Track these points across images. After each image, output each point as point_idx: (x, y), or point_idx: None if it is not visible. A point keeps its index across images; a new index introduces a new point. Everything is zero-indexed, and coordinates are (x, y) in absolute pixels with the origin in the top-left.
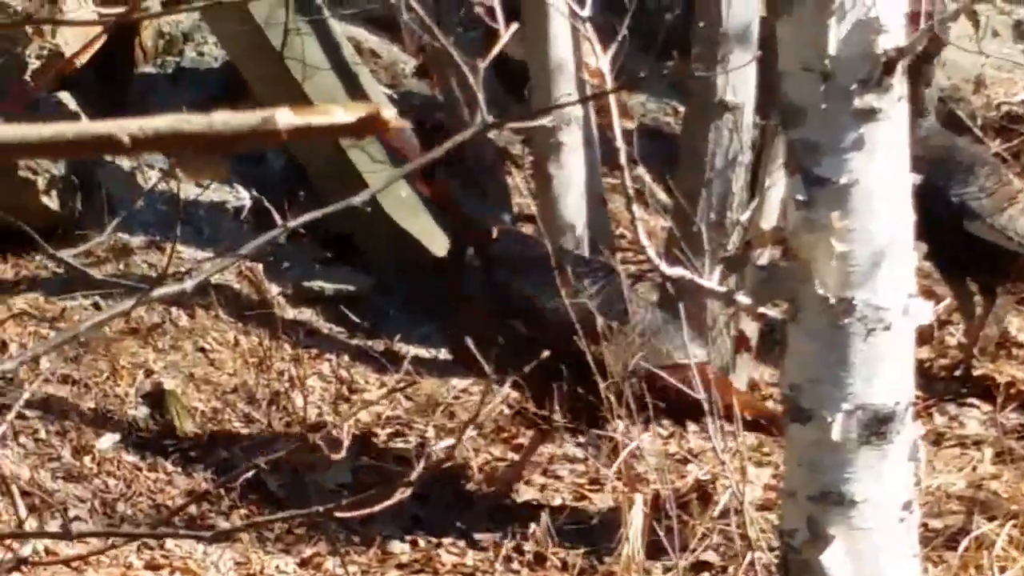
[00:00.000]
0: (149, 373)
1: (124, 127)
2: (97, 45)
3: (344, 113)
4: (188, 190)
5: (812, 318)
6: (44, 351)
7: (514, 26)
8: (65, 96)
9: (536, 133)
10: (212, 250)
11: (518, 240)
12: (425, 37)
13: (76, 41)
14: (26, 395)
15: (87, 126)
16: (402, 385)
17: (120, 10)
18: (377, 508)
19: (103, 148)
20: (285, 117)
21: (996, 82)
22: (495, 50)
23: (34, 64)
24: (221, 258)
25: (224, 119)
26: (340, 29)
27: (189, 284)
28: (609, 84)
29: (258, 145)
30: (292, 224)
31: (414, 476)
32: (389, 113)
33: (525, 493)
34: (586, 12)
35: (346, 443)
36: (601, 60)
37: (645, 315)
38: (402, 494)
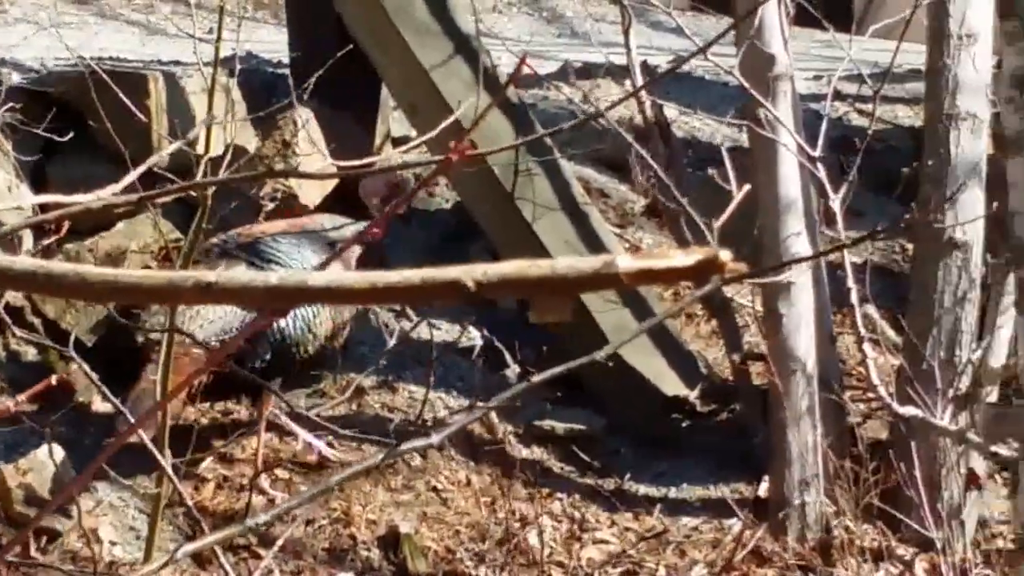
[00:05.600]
0: (383, 513)
1: (470, 272)
2: (330, 187)
3: (683, 256)
4: (421, 330)
5: None
6: (297, 505)
7: (747, 187)
8: None
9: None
10: (443, 390)
11: None
12: (654, 179)
13: (309, 183)
14: (279, 544)
15: (434, 272)
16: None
17: (357, 163)
18: None
19: (450, 293)
20: (625, 262)
21: None
22: (729, 210)
23: (268, 206)
24: (469, 408)
25: (567, 264)
26: (570, 169)
27: (436, 439)
28: (840, 223)
29: (600, 289)
30: (538, 378)
31: None
32: (726, 255)
33: None
34: (817, 151)
35: None
36: (832, 200)
37: None
38: None
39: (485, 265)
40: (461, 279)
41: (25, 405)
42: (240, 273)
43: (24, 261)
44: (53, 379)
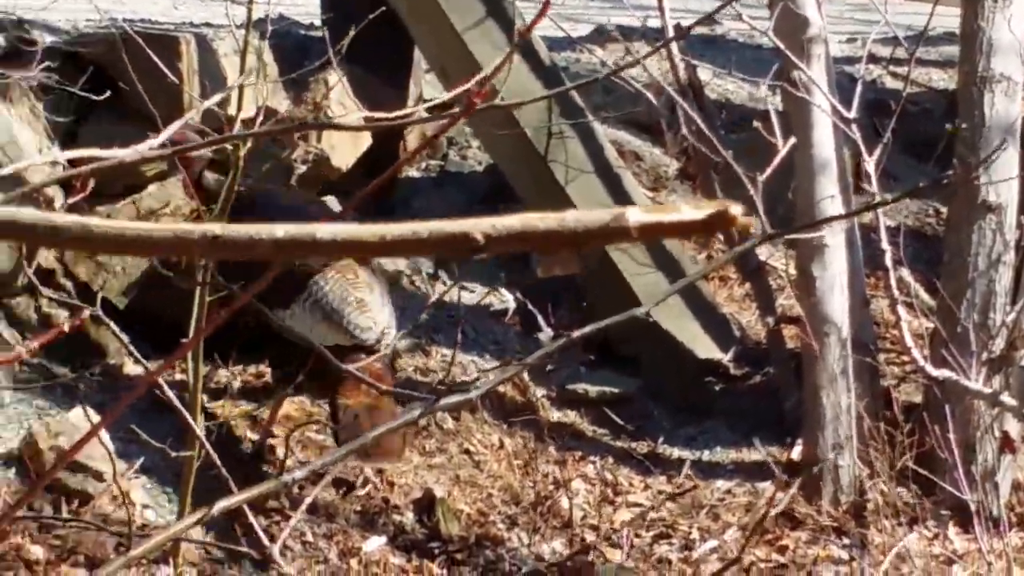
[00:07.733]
0: (416, 476)
1: (478, 225)
2: (362, 150)
3: (693, 211)
4: (453, 293)
5: None
6: (332, 461)
7: (792, 140)
8: (330, 200)
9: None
10: (476, 353)
11: None
12: (688, 141)
13: (341, 146)
14: (308, 501)
15: (442, 224)
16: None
17: (388, 115)
18: None
19: (458, 246)
20: (635, 215)
21: None
22: (774, 163)
23: (300, 169)
24: (503, 367)
25: (576, 217)
26: (603, 132)
27: (475, 394)
28: (875, 185)
29: (609, 242)
30: (577, 335)
31: None
32: (737, 210)
33: None
34: (852, 114)
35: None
36: (867, 162)
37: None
38: None
39: (493, 218)
40: (470, 232)
41: (34, 354)
42: (246, 226)
43: (27, 213)
44: (65, 326)
